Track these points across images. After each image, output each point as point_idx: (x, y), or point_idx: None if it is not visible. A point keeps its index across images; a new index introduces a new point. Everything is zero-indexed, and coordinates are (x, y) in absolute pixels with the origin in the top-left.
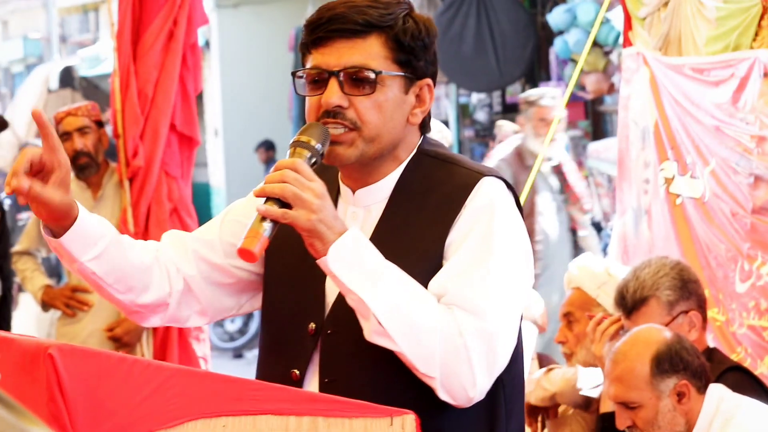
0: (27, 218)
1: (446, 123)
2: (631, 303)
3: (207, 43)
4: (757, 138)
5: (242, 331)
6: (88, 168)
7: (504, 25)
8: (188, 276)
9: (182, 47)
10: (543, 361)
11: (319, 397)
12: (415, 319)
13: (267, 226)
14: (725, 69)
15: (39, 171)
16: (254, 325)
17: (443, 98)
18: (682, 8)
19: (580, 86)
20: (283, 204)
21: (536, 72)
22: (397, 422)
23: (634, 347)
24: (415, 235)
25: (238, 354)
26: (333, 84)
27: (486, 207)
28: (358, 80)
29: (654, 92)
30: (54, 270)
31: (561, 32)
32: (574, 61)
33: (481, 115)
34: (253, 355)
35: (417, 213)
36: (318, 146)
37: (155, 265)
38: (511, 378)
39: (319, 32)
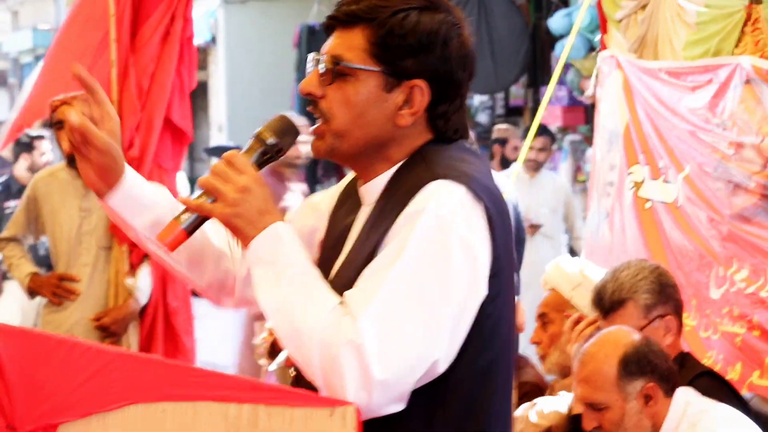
0: (14, 206)
1: None
2: (608, 304)
3: (213, 39)
4: (735, 144)
5: None
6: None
7: (501, 29)
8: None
9: (179, 42)
10: (520, 361)
11: (262, 385)
12: (299, 324)
13: (185, 218)
14: (703, 74)
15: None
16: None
17: None
18: (660, 11)
19: (580, 90)
20: None
21: (538, 76)
22: (338, 413)
23: (602, 349)
24: (370, 238)
25: None
26: (314, 71)
27: (418, 212)
28: (327, 71)
29: (627, 95)
30: (43, 260)
31: (562, 36)
32: (575, 66)
33: (483, 118)
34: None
35: (379, 214)
36: (272, 140)
37: (219, 246)
38: (459, 400)
39: (327, 19)
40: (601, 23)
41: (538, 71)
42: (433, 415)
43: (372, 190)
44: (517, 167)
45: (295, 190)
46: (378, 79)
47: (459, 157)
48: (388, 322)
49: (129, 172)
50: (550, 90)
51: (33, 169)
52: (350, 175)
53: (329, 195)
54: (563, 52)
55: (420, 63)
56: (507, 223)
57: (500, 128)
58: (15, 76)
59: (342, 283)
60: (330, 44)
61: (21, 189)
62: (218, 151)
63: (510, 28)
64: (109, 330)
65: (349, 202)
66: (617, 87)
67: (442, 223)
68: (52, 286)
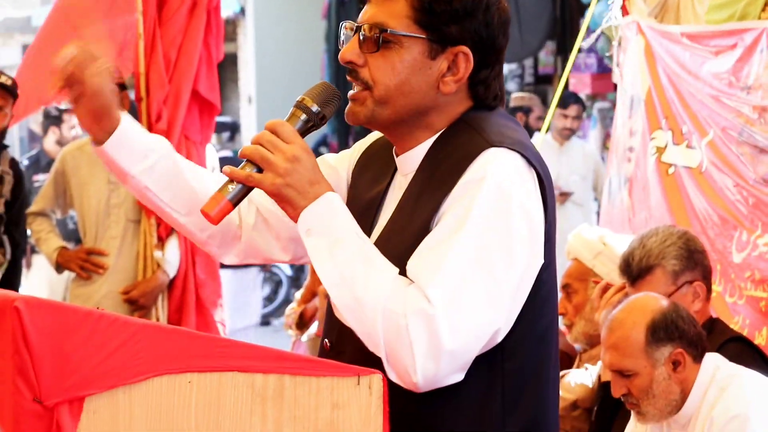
0: (43, 180)
1: None
2: (636, 271)
3: (242, 10)
4: (760, 108)
5: (270, 299)
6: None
7: None
8: (263, 207)
9: (206, 12)
10: None
11: (288, 355)
12: (361, 294)
13: (232, 188)
14: (728, 38)
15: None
16: (282, 292)
17: None
18: None
19: (609, 57)
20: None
21: (568, 43)
22: (364, 382)
23: (630, 315)
24: (420, 208)
25: (265, 321)
26: (354, 40)
27: (477, 180)
28: (371, 38)
29: (648, 60)
30: (71, 234)
31: (590, 3)
32: (605, 33)
33: (512, 86)
34: (280, 322)
35: (428, 183)
36: (315, 108)
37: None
38: (517, 367)
39: None
40: None
41: (567, 38)
42: (493, 382)
43: (412, 159)
44: (543, 135)
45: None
46: (422, 45)
47: (505, 125)
48: (457, 292)
49: (125, 118)
50: (572, 56)
51: (62, 142)
52: (366, 139)
53: (346, 158)
54: (585, 17)
55: (464, 29)
56: (552, 190)
57: (522, 96)
58: None
59: (392, 252)
60: (369, 12)
61: (50, 162)
62: (218, 126)
63: None
64: (137, 303)
65: (373, 168)
66: (639, 52)
67: (502, 191)
68: (80, 260)
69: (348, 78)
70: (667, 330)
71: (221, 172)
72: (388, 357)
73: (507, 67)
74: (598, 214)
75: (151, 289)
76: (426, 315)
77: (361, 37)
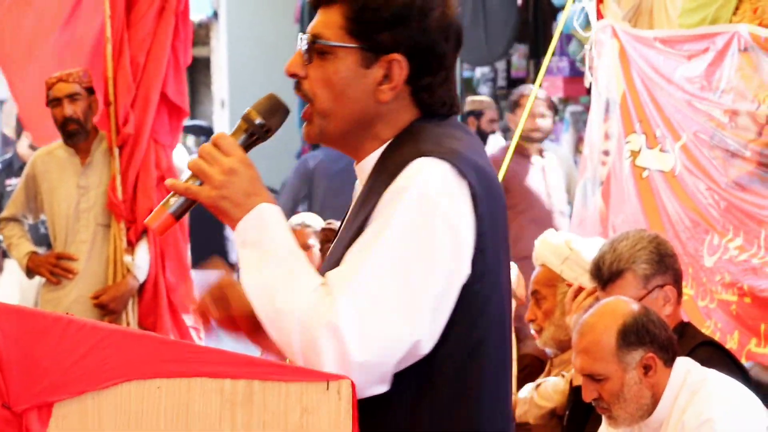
0: (16, 184)
1: None
2: (607, 275)
3: (215, 13)
4: (731, 112)
5: None
6: (77, 134)
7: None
8: None
9: (175, 16)
10: (520, 334)
11: (257, 360)
12: (280, 305)
13: (174, 201)
14: (700, 42)
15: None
16: None
17: None
18: None
19: (581, 61)
20: None
21: (540, 47)
22: (333, 386)
23: (601, 319)
24: (358, 217)
25: None
26: (298, 51)
27: (400, 190)
28: (307, 50)
29: (623, 64)
30: (42, 238)
31: (563, 7)
32: (577, 36)
33: (484, 90)
34: None
35: (367, 193)
36: (259, 121)
37: None
38: (446, 381)
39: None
40: None
41: (539, 42)
42: (421, 396)
43: (364, 169)
44: (516, 139)
45: (537, 164)
46: (356, 55)
47: (447, 134)
48: (368, 301)
49: None
50: (547, 60)
51: (34, 146)
52: None
53: None
54: (559, 21)
55: (396, 36)
56: (496, 201)
57: (474, 100)
58: None
59: (330, 264)
60: (312, 23)
61: (23, 166)
62: (194, 129)
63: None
64: (108, 308)
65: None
66: (613, 56)
67: (425, 200)
68: (49, 265)
69: (295, 90)
70: (638, 334)
71: (165, 183)
72: (305, 366)
73: (479, 71)
74: (571, 217)
75: (121, 294)
76: (333, 327)
77: (303, 49)
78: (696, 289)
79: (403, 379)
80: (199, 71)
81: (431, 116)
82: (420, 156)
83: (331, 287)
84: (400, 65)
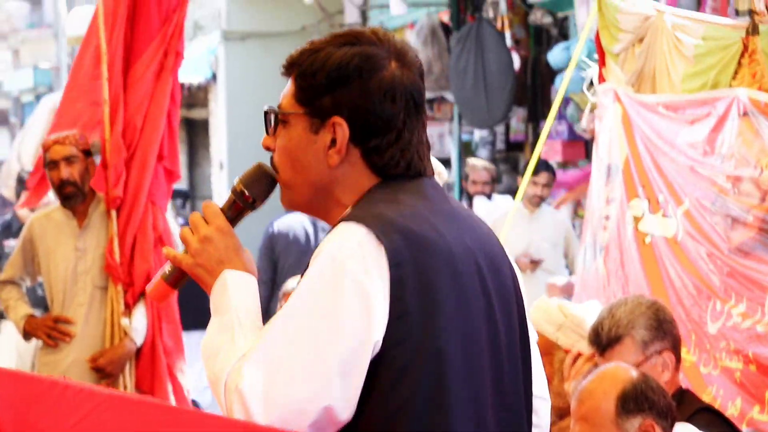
0: (14, 246)
1: (449, 160)
2: (605, 341)
3: (214, 76)
4: (733, 178)
5: None
6: (74, 197)
7: (492, 64)
8: None
9: (172, 77)
10: None
11: (255, 427)
12: (216, 369)
13: (168, 270)
14: (701, 107)
15: None
16: None
17: (446, 135)
18: (657, 44)
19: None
20: None
21: (539, 110)
22: None
23: (600, 386)
24: None
25: None
26: (267, 125)
27: (316, 254)
28: (269, 121)
29: (626, 129)
30: (40, 300)
31: (561, 70)
32: (575, 100)
33: (483, 153)
34: None
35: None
36: (243, 191)
37: None
38: None
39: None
40: (599, 56)
41: (538, 105)
42: None
43: None
44: (517, 202)
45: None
46: (304, 121)
47: (390, 198)
48: (270, 366)
49: None
50: (548, 124)
51: (33, 208)
52: None
53: None
54: (561, 85)
55: (336, 99)
56: (431, 266)
57: (468, 163)
58: (16, 116)
59: None
60: None
61: (21, 227)
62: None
63: (498, 62)
64: (105, 371)
65: None
66: (616, 120)
67: (335, 264)
68: (46, 328)
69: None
70: (637, 401)
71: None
72: None
73: (478, 134)
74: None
75: (119, 357)
76: (239, 391)
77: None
78: (699, 356)
79: None
80: (197, 133)
81: (391, 179)
82: (342, 221)
83: (245, 354)
84: (341, 127)
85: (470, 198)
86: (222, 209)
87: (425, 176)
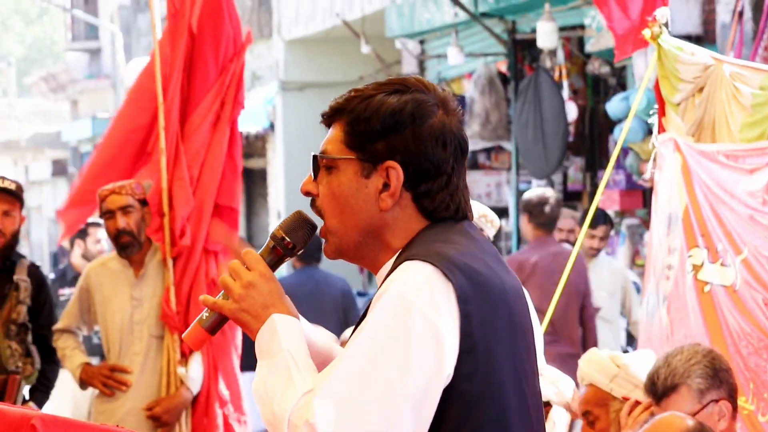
0: (69, 294)
1: (506, 210)
2: (661, 390)
3: (271, 125)
4: None
5: None
6: (130, 246)
7: (547, 112)
8: None
9: (230, 126)
10: None
11: None
12: (276, 408)
13: (206, 317)
14: (761, 156)
15: None
16: None
17: (504, 185)
18: (717, 94)
19: (639, 174)
20: None
21: (596, 160)
22: None
23: None
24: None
25: None
26: (312, 171)
27: (383, 293)
28: (314, 167)
29: (685, 178)
30: (97, 349)
31: (620, 120)
32: (634, 150)
33: None
34: None
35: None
36: (283, 237)
37: None
38: None
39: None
40: (659, 106)
41: (595, 155)
42: None
43: (379, 281)
44: (576, 252)
45: None
46: (355, 166)
47: (444, 239)
48: (343, 401)
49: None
50: (607, 173)
51: (87, 256)
52: None
53: None
54: (620, 135)
55: (390, 144)
56: (493, 303)
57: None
58: (75, 165)
59: None
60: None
61: (76, 276)
62: None
63: (552, 109)
64: (161, 420)
65: None
66: (676, 170)
67: (403, 302)
68: (102, 377)
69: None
70: None
71: (200, 299)
72: None
73: (536, 183)
74: (628, 331)
75: (175, 406)
76: (310, 425)
77: (312, 167)
78: (757, 405)
79: None
80: (255, 182)
81: (439, 222)
82: (406, 260)
83: (314, 389)
84: (396, 172)
85: None
86: (261, 255)
87: (468, 219)
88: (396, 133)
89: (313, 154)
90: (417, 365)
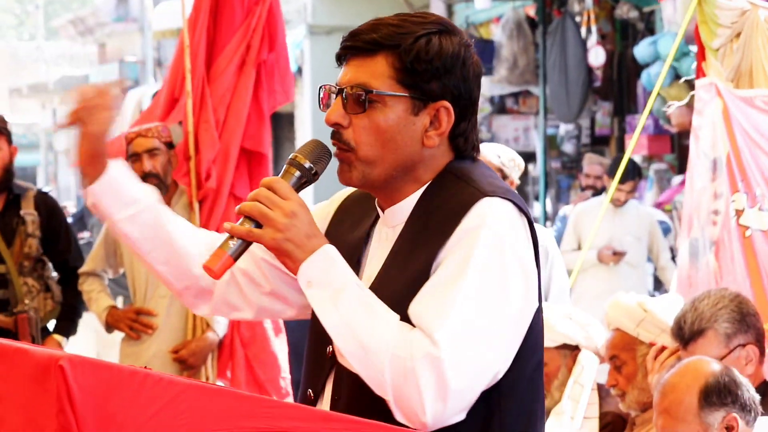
0: (88, 237)
1: (533, 154)
2: (688, 334)
3: (299, 70)
4: None
5: None
6: (157, 189)
7: (570, 59)
8: (237, 268)
9: (255, 69)
10: (602, 391)
11: (333, 416)
12: (367, 341)
13: (233, 244)
14: None
15: None
16: None
17: (531, 129)
18: (753, 39)
19: (666, 119)
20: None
21: (624, 104)
22: None
23: (683, 379)
24: (416, 256)
25: None
26: (337, 101)
27: (475, 228)
28: (355, 99)
29: (726, 123)
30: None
31: (647, 65)
32: (661, 95)
33: (568, 147)
34: None
35: (422, 233)
36: (308, 165)
37: (200, 249)
38: (512, 406)
39: (340, 49)
40: (699, 51)
41: (623, 100)
42: (490, 421)
43: (400, 211)
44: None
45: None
46: (406, 103)
47: (490, 175)
48: (461, 335)
49: (116, 166)
50: (642, 121)
51: None
52: (343, 192)
53: (323, 209)
54: (657, 83)
55: (444, 85)
56: (534, 232)
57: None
58: None
59: (388, 299)
60: (350, 74)
61: (94, 220)
62: None
63: (575, 57)
64: (187, 362)
65: (350, 219)
66: (717, 114)
67: (499, 239)
68: (129, 320)
69: (332, 140)
70: (720, 395)
71: (223, 227)
72: (395, 399)
73: (564, 128)
74: (656, 276)
75: (201, 349)
76: (433, 358)
77: (345, 99)
78: None
79: (475, 405)
80: (282, 127)
81: (462, 158)
82: (484, 196)
83: (422, 321)
84: (448, 112)
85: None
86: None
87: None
88: (450, 74)
89: (342, 86)
90: (515, 302)
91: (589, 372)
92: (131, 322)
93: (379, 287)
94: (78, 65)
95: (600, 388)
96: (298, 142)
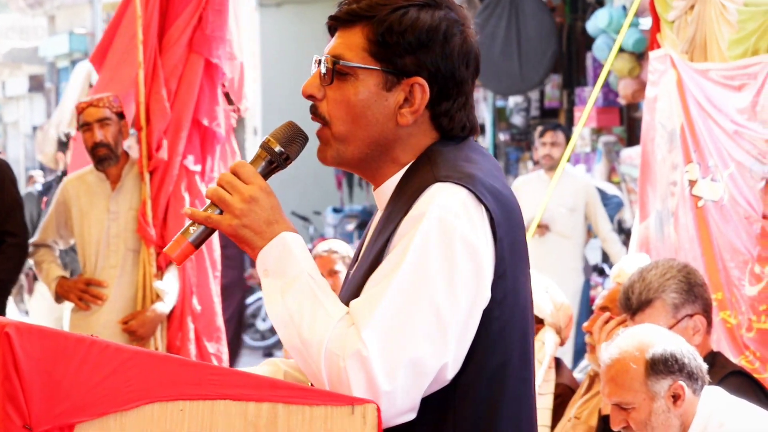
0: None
1: (482, 127)
2: (636, 304)
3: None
4: None
5: (273, 330)
6: (107, 159)
7: (530, 30)
8: None
9: (208, 41)
10: (557, 364)
11: (281, 383)
12: (306, 335)
13: (194, 230)
14: (745, 71)
15: None
16: None
17: (480, 102)
18: (707, 12)
19: (615, 92)
20: None
21: (573, 77)
22: (359, 411)
23: (629, 347)
24: (378, 244)
25: (268, 353)
26: (315, 73)
27: (418, 216)
28: (327, 71)
29: (680, 94)
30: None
31: (597, 37)
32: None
33: (517, 120)
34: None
35: (386, 219)
36: (278, 149)
37: None
38: (469, 407)
39: (328, 20)
40: (653, 22)
41: (573, 72)
42: (443, 422)
43: (384, 194)
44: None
45: None
46: (378, 77)
47: (464, 157)
48: (392, 330)
49: None
50: (595, 93)
51: (65, 173)
52: None
53: None
54: (611, 53)
55: (420, 60)
56: (514, 224)
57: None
58: (51, 81)
59: (350, 292)
60: (332, 44)
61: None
62: None
63: (538, 28)
64: (136, 333)
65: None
66: (672, 86)
67: (444, 226)
68: (78, 290)
69: (310, 114)
70: (666, 363)
71: (182, 212)
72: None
73: (513, 101)
74: (602, 249)
75: (150, 320)
76: (361, 357)
77: (322, 70)
78: (737, 319)
79: (426, 404)
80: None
81: (449, 139)
82: (436, 181)
83: (355, 317)
84: (422, 89)
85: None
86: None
87: (476, 135)
88: (427, 50)
89: (324, 56)
90: (461, 292)
91: (548, 350)
92: (81, 293)
93: (351, 278)
94: (27, 38)
95: (556, 361)
96: (247, 114)
